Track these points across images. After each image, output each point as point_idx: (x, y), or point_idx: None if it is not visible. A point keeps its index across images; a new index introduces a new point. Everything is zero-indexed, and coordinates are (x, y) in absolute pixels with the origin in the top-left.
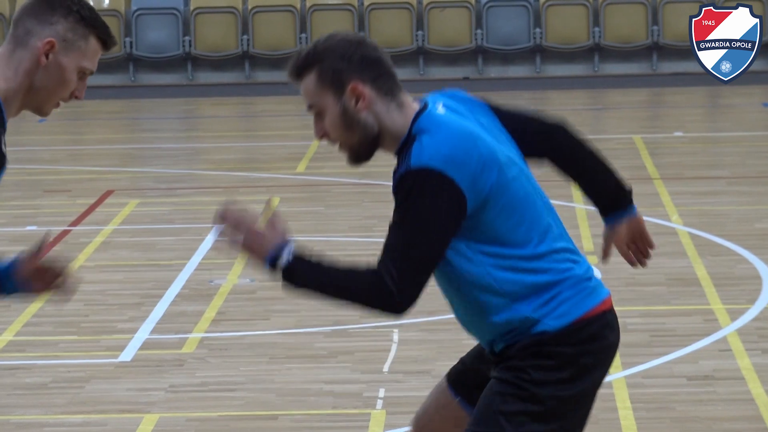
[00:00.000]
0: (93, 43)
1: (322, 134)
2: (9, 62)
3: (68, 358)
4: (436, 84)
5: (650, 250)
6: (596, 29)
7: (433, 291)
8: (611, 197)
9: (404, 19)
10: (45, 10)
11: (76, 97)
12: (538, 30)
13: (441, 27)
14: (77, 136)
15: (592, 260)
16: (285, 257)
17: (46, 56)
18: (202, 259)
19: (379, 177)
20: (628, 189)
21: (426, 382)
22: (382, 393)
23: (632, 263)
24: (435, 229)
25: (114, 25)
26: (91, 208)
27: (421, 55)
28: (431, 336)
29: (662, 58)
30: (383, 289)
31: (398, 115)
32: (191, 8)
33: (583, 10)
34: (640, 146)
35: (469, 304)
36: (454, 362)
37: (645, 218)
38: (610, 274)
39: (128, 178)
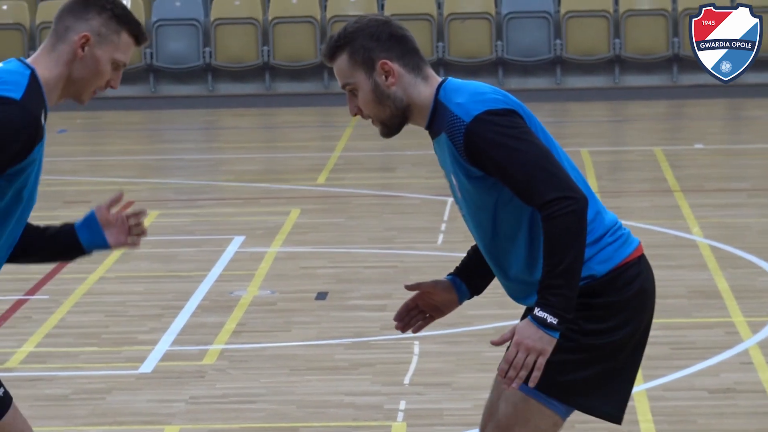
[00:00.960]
0: (125, 37)
1: (356, 111)
2: (51, 55)
3: (89, 370)
4: None
5: None
6: (617, 41)
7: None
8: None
9: (425, 31)
10: (81, 8)
11: (111, 86)
12: (558, 41)
13: (461, 38)
14: (98, 147)
15: None
16: (549, 318)
17: (82, 49)
18: (223, 270)
19: (400, 189)
20: None
21: (447, 394)
22: (402, 405)
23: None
24: (528, 137)
25: None
26: None
27: (442, 66)
28: (452, 348)
29: (682, 69)
30: (563, 210)
31: (424, 88)
32: (211, 19)
33: (603, 22)
34: (661, 158)
35: (521, 250)
36: (475, 374)
37: (666, 231)
38: None
39: (149, 189)
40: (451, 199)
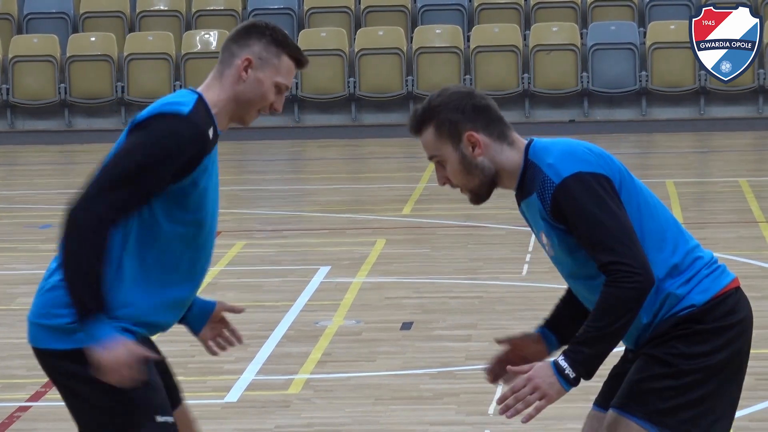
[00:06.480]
0: (285, 60)
1: (444, 181)
2: (219, 81)
3: None
4: (542, 126)
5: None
6: (702, 72)
7: None
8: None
9: (510, 62)
10: (243, 36)
11: (275, 109)
12: (644, 73)
13: (547, 70)
14: None
15: None
16: (568, 370)
17: (246, 71)
18: (308, 300)
19: (485, 219)
20: None
21: (530, 424)
22: None
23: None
24: (613, 207)
25: None
26: None
27: (527, 97)
28: None
29: None
30: (630, 283)
31: (511, 153)
32: None
33: (689, 54)
34: (746, 189)
35: None
36: (558, 404)
37: (751, 262)
38: None
39: (235, 220)
40: None
